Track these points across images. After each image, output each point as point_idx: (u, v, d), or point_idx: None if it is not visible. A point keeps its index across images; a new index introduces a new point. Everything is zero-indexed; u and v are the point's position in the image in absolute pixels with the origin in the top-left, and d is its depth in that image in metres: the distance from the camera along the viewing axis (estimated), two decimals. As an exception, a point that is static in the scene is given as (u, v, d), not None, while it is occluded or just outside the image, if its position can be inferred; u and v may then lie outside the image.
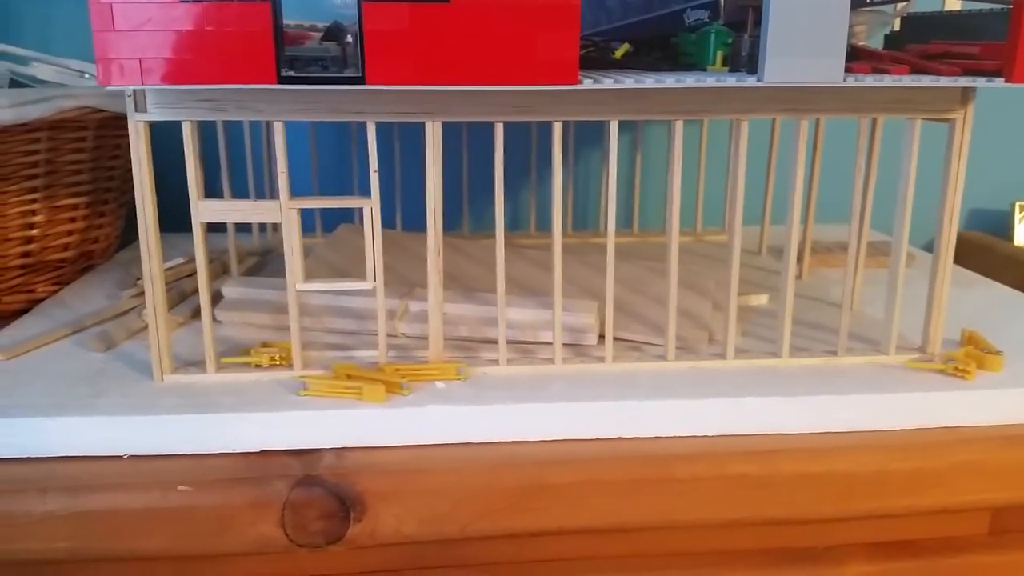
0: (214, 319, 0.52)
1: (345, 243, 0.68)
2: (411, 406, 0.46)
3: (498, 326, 0.51)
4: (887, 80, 0.46)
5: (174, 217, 0.61)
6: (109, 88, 0.42)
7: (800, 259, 0.71)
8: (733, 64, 0.48)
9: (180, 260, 0.67)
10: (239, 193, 0.77)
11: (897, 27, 0.59)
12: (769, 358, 0.53)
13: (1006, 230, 0.94)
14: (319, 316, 0.57)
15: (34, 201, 0.63)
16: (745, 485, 0.46)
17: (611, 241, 0.50)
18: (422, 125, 0.47)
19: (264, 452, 0.45)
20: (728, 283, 0.51)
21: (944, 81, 0.46)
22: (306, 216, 0.75)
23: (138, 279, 0.65)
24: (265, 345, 0.52)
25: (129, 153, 0.65)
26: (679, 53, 0.54)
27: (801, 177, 0.50)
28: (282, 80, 0.42)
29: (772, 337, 0.56)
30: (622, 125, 0.89)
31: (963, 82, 0.46)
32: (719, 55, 0.49)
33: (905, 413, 0.49)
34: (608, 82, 0.45)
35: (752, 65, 0.46)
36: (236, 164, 0.79)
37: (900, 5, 0.58)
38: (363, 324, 0.56)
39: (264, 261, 0.74)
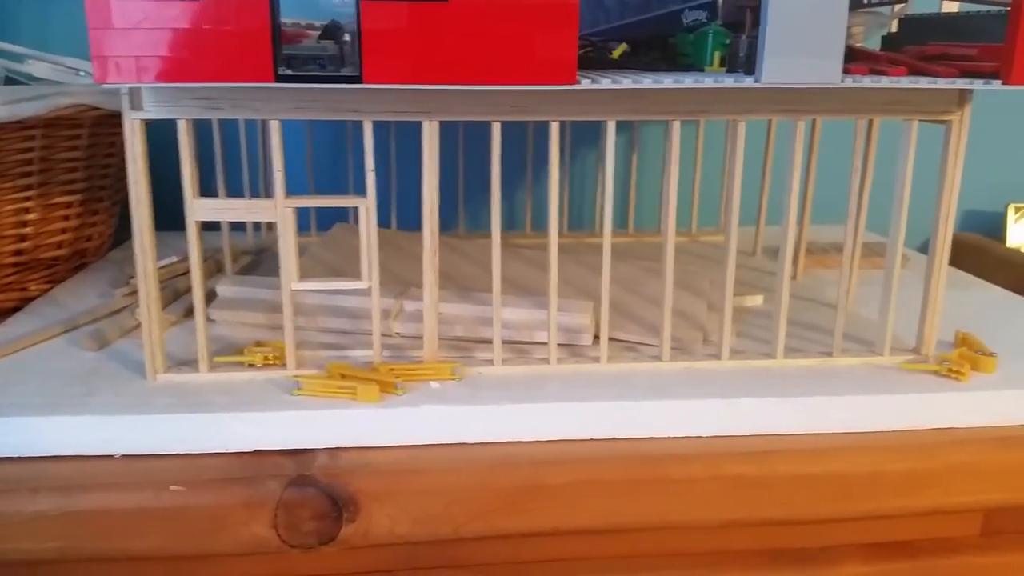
0: (208, 318, 0.52)
1: (340, 242, 0.68)
2: (405, 406, 0.46)
3: (493, 326, 0.51)
4: (885, 81, 0.46)
5: (167, 215, 0.61)
6: (104, 86, 0.42)
7: (795, 260, 0.71)
8: (731, 65, 0.48)
9: (173, 259, 0.67)
10: (233, 191, 0.77)
11: (894, 28, 0.59)
12: (764, 359, 0.53)
13: (999, 232, 0.94)
14: (313, 315, 0.56)
15: (28, 199, 0.62)
16: (740, 486, 0.46)
17: (607, 241, 0.50)
18: (418, 124, 0.47)
19: (257, 452, 0.45)
20: (723, 284, 0.51)
21: (941, 83, 0.46)
22: (301, 215, 0.75)
23: (131, 278, 0.65)
24: (259, 344, 0.52)
25: (123, 151, 0.64)
26: (677, 53, 0.54)
27: (798, 178, 0.50)
28: (279, 79, 0.42)
29: (767, 338, 0.56)
30: (618, 125, 0.88)
31: (960, 84, 0.46)
32: (716, 55, 0.49)
33: (899, 414, 0.49)
34: (606, 82, 0.45)
35: (750, 66, 0.46)
36: (231, 162, 0.78)
37: (897, 7, 0.58)
38: (357, 323, 0.56)
39: (258, 260, 0.73)
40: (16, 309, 0.61)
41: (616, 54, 0.57)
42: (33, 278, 0.65)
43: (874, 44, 0.60)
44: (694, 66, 0.51)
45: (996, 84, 0.45)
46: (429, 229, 0.49)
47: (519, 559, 0.48)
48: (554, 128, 0.47)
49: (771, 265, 0.74)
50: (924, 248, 0.93)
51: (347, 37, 0.41)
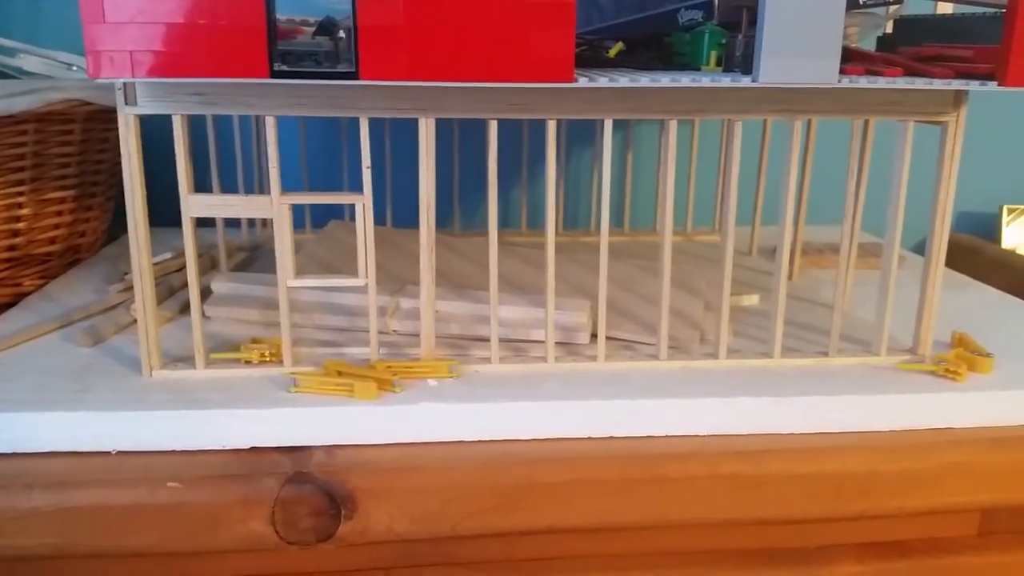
0: (203, 314, 0.52)
1: (335, 239, 0.68)
2: (402, 404, 0.46)
3: (490, 324, 0.51)
4: (881, 82, 0.46)
5: (162, 211, 0.61)
6: (98, 81, 0.42)
7: (791, 260, 0.71)
8: (727, 64, 0.48)
9: (168, 255, 0.67)
10: (228, 188, 0.77)
11: (889, 29, 0.59)
12: (761, 358, 0.53)
13: (993, 233, 0.95)
14: (309, 312, 0.56)
15: (20, 194, 0.62)
16: (737, 485, 0.46)
17: (604, 239, 0.50)
18: (414, 121, 0.47)
19: (254, 449, 0.45)
20: (720, 283, 0.51)
21: (938, 84, 0.46)
22: (296, 212, 0.74)
23: (126, 274, 0.64)
24: (255, 341, 0.52)
25: (117, 146, 0.64)
26: (672, 53, 0.54)
27: (795, 178, 0.50)
28: (275, 75, 0.41)
29: (764, 337, 0.56)
30: (613, 124, 0.89)
31: (956, 85, 0.46)
32: (712, 55, 0.49)
33: (896, 414, 0.49)
34: (604, 81, 0.45)
35: (746, 65, 0.46)
36: (225, 159, 0.78)
37: (892, 8, 0.58)
38: (354, 321, 0.56)
39: (253, 256, 0.73)
40: (10, 305, 0.61)
41: (612, 53, 0.57)
42: (26, 274, 0.65)
43: (869, 45, 0.60)
44: (689, 65, 0.51)
45: (992, 86, 0.46)
46: (426, 226, 0.49)
47: (516, 557, 0.48)
48: (551, 127, 0.47)
49: (767, 265, 0.74)
50: (918, 248, 0.93)
51: (343, 33, 0.41)
